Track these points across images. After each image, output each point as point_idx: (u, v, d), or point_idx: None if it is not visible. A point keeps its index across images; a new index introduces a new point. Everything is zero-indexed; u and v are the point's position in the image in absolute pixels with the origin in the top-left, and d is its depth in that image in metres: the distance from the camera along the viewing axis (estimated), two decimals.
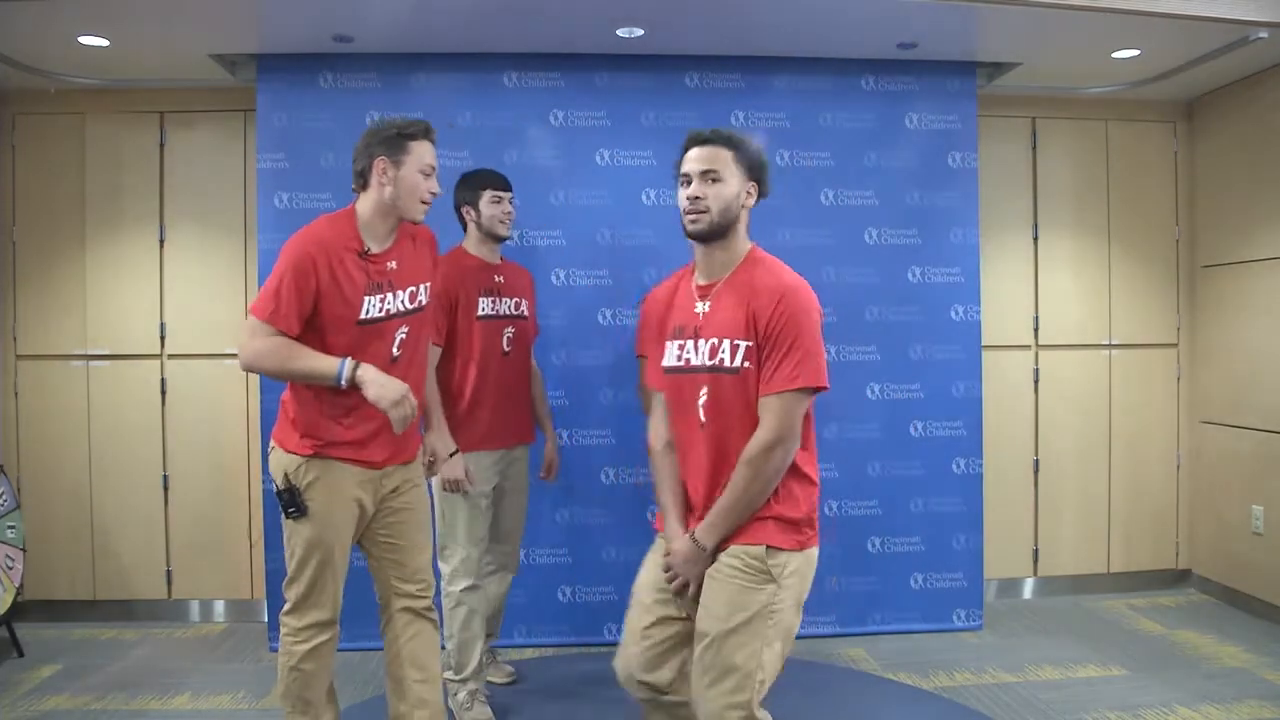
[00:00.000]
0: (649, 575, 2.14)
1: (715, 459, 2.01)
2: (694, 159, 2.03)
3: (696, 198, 2.00)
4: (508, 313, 3.07)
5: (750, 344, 1.96)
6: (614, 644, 2.21)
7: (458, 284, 2.94)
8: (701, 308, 2.05)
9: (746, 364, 1.96)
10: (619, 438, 3.75)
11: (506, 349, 3.05)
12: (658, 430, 2.17)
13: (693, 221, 2.02)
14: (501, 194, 3.04)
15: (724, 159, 2.02)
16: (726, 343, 1.98)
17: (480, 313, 2.98)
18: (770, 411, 1.94)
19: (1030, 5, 3.19)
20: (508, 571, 3.22)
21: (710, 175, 2.01)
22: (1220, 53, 3.61)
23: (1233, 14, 3.28)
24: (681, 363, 2.06)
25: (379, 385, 2.20)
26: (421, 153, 2.33)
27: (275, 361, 2.23)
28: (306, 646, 2.35)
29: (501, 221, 3.04)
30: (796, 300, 1.95)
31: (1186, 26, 3.34)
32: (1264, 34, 3.37)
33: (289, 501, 2.30)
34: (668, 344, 2.10)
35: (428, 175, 2.34)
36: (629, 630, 2.13)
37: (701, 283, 2.09)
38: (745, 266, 2.05)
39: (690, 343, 2.04)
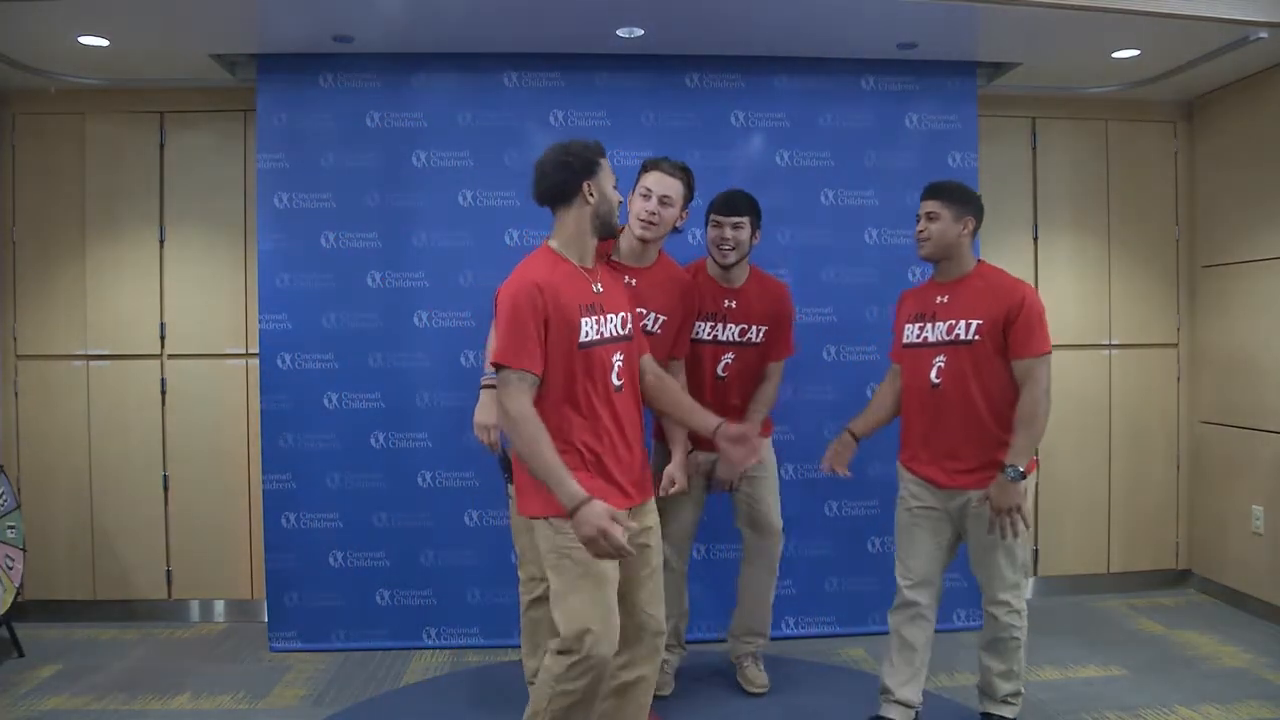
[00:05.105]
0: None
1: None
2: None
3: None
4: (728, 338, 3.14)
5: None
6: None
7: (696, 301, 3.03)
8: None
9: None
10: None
11: (723, 373, 3.11)
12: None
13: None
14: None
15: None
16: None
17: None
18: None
19: (1030, 5, 3.19)
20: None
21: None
22: (1220, 53, 3.61)
23: (1232, 14, 3.28)
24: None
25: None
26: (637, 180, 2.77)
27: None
28: (530, 597, 2.91)
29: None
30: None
31: (1186, 26, 3.34)
32: (1264, 34, 3.37)
33: None
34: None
35: (645, 197, 2.76)
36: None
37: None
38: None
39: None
